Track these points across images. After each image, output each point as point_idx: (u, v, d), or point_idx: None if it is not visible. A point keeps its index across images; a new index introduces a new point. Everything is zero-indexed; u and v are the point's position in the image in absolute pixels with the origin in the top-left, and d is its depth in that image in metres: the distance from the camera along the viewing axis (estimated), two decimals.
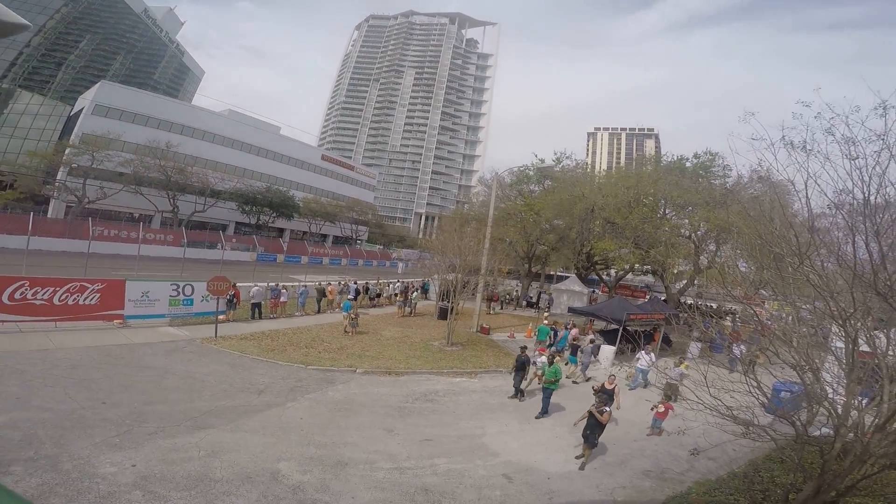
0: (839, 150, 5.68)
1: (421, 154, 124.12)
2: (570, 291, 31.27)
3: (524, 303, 33.85)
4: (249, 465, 7.50)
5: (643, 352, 15.38)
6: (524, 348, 13.15)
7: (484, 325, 21.44)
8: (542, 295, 34.15)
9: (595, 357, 17.17)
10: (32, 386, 9.29)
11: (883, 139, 5.24)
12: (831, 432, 5.53)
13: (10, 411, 8.05)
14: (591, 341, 17.33)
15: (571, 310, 23.39)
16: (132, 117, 50.96)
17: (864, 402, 5.77)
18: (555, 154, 35.13)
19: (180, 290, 16.85)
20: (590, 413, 8.79)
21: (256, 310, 18.83)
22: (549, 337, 18.36)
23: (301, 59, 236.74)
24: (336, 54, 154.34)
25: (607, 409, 8.81)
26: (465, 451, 9.05)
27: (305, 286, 22.48)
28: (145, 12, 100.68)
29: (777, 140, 6.34)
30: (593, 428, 8.69)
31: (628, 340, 18.83)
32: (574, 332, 18.65)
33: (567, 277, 34.35)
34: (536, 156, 36.07)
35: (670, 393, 12.62)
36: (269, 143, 65.24)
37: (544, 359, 12.41)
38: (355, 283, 25.43)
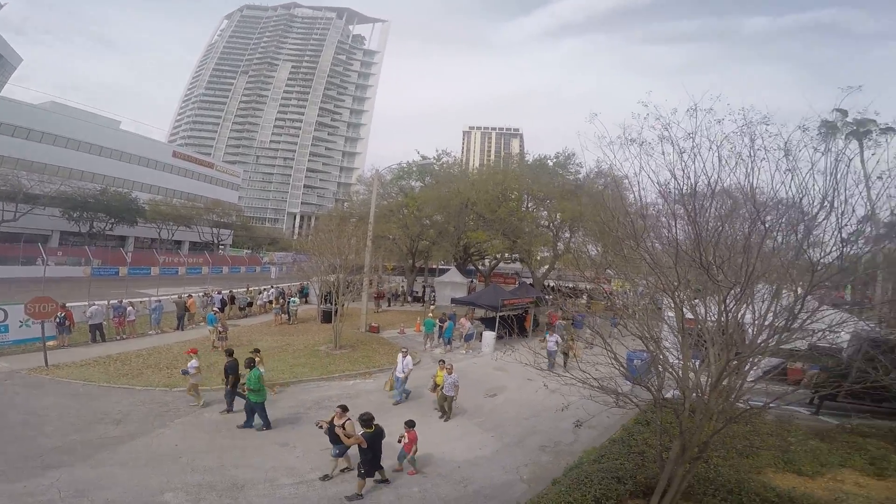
0: (661, 148, 6.81)
1: (295, 151, 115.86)
2: (452, 283, 32.54)
3: (410, 298, 34.28)
4: (128, 502, 6.60)
5: (401, 355, 12.36)
6: (231, 352, 11.13)
7: (373, 324, 21.19)
8: (426, 289, 34.98)
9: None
10: None
11: (692, 137, 6.40)
12: (680, 394, 6.44)
13: None
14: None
15: (454, 300, 24.38)
16: None
17: (697, 363, 6.83)
18: (436, 151, 36.23)
19: None
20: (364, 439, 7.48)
21: (97, 332, 16.48)
22: (436, 329, 18.94)
23: (156, 49, 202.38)
24: (199, 45, 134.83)
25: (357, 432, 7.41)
26: None
27: (160, 301, 20.03)
28: None
29: (616, 138, 7.18)
30: (362, 452, 7.45)
31: (504, 325, 20.35)
32: (463, 320, 19.47)
33: (448, 270, 35.65)
34: (419, 152, 36.84)
35: (444, 405, 11.23)
36: (105, 140, 55.18)
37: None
38: (220, 292, 23.24)
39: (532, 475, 8.58)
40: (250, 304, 24.86)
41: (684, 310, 6.71)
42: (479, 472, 8.60)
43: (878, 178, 5.42)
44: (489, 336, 19.06)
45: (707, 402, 6.00)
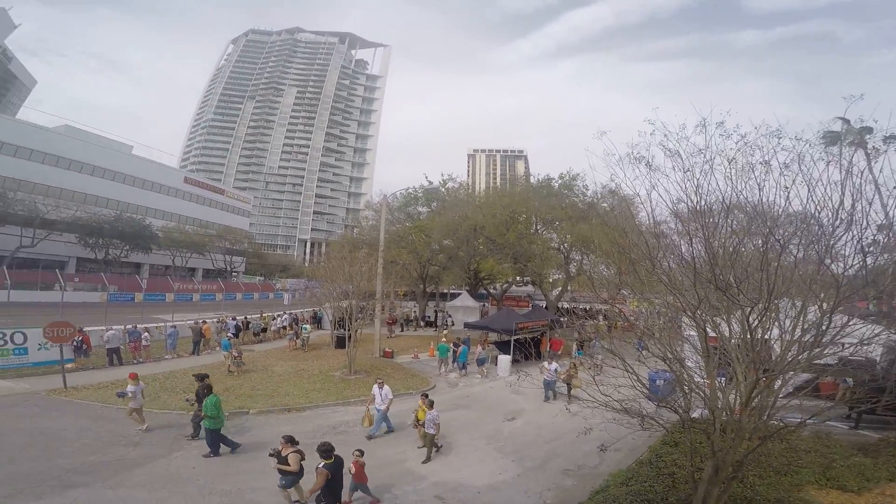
0: (672, 164, 6.78)
1: (303, 177, 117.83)
2: (465, 307, 32.47)
3: (423, 323, 34.20)
4: None
5: (377, 386, 11.65)
6: (202, 377, 10.60)
7: (386, 350, 21.12)
8: (438, 313, 34.88)
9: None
10: None
11: (703, 153, 6.37)
12: (709, 414, 6.26)
13: None
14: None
15: (467, 325, 24.25)
16: None
17: (724, 382, 6.69)
18: (441, 176, 36.73)
19: (8, 338, 14.93)
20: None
21: (114, 356, 16.91)
22: (450, 353, 18.81)
23: (164, 72, 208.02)
24: (206, 69, 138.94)
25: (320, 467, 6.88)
26: (391, 478, 8.82)
27: (175, 326, 20.39)
28: None
29: (625, 156, 7.05)
30: (324, 493, 6.93)
31: (520, 350, 20.13)
32: (478, 348, 19.34)
33: (460, 294, 35.62)
34: (427, 177, 37.30)
35: (426, 443, 10.13)
36: (118, 165, 56.16)
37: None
38: (234, 318, 23.58)
39: (556, 500, 8.39)
40: (264, 330, 25.04)
41: (707, 328, 6.63)
42: (501, 497, 8.43)
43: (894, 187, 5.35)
44: (504, 360, 18.90)
45: (739, 421, 5.85)
